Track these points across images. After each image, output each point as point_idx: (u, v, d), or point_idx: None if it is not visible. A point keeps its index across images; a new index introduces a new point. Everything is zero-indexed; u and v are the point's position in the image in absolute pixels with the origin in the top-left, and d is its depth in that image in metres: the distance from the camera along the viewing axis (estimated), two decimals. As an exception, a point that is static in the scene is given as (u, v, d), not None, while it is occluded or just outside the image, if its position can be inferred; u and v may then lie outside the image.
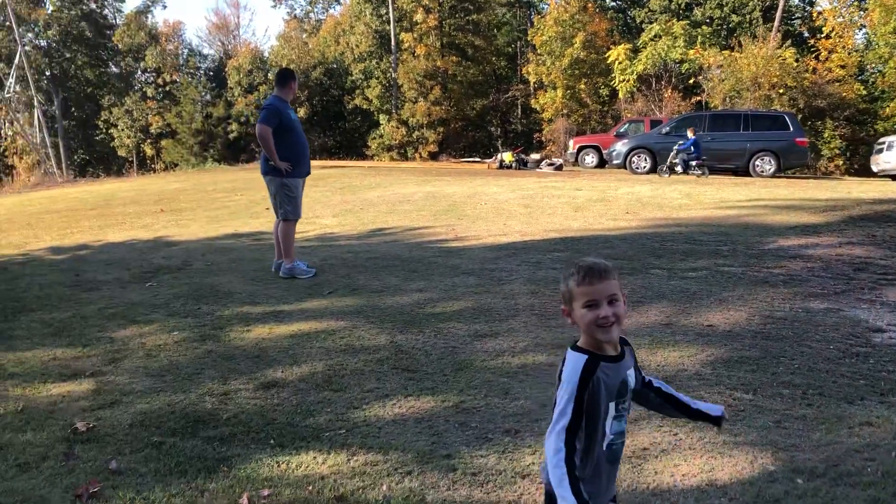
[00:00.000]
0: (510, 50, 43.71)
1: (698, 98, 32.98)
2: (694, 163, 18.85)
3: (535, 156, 28.34)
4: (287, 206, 7.33)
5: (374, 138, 38.53)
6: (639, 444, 3.74)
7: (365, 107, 38.88)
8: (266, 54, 39.31)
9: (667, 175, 18.56)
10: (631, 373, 2.16)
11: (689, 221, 9.82)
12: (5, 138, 41.00)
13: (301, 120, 32.10)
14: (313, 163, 22.36)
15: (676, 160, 19.02)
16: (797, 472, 3.38)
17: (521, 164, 25.44)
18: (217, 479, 3.54)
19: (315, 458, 3.72)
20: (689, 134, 19.21)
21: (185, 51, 41.04)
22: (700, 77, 32.30)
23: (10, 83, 35.16)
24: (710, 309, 5.88)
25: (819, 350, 4.93)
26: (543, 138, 36.63)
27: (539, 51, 36.12)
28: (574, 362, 2.08)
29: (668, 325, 5.55)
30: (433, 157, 36.71)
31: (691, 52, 32.65)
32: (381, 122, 38.74)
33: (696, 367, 4.73)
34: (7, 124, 40.35)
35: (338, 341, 5.42)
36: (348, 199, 13.30)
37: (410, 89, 37.18)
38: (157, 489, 3.45)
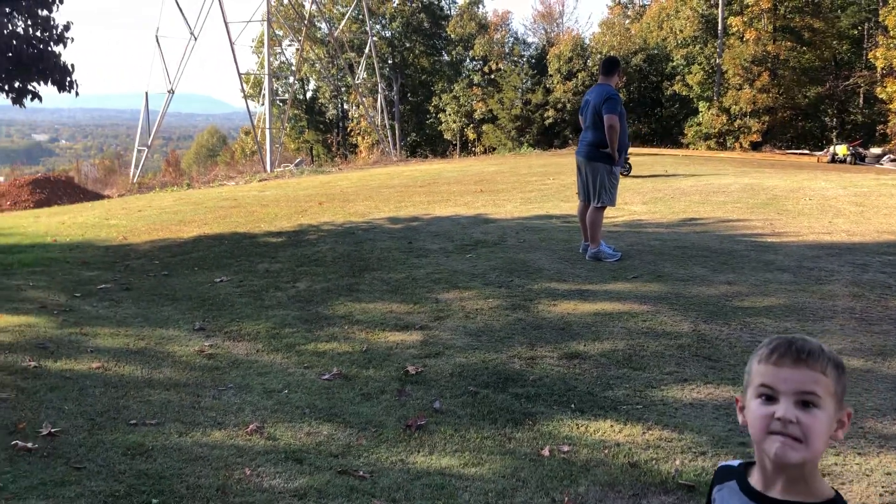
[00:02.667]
0: (855, 32, 39.45)
1: None
2: None
3: (875, 150, 25.50)
4: (609, 193, 7.58)
5: (692, 126, 37.27)
6: None
7: (684, 93, 37.75)
8: (587, 41, 39.82)
9: None
10: None
11: None
12: (352, 120, 46.37)
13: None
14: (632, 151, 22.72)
15: None
16: None
17: (858, 159, 23.09)
18: (522, 430, 3.96)
19: (612, 426, 3.98)
20: None
21: (511, 39, 42.99)
22: None
23: (360, 71, 39.68)
24: None
25: None
26: (889, 131, 32.65)
27: (891, 33, 32.15)
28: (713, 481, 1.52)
29: None
30: (755, 147, 34.59)
31: None
32: (700, 109, 37.36)
33: None
34: (354, 108, 45.59)
35: (639, 323, 5.59)
36: (660, 188, 13.21)
37: (735, 75, 35.32)
38: (472, 430, 3.95)
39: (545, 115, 37.68)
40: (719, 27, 37.22)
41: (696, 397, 4.33)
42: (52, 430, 3.85)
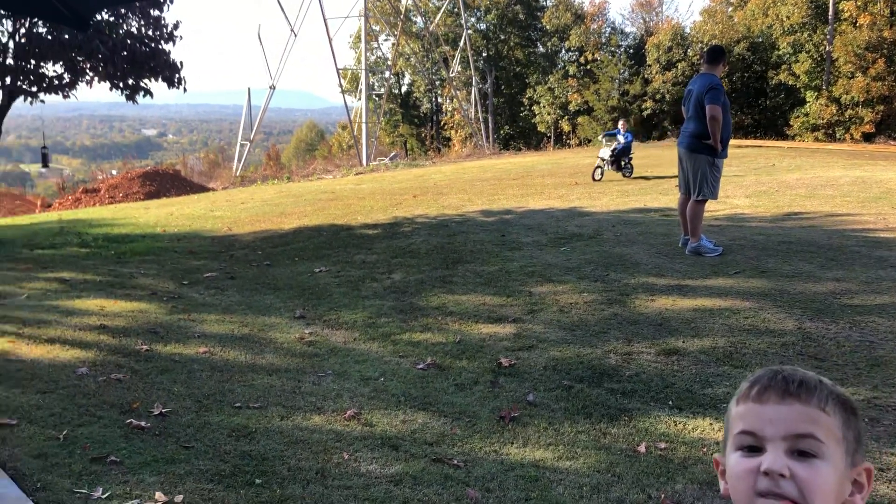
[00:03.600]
0: (982, 14, 36.80)
1: None
2: None
3: None
4: (710, 186, 7.37)
5: (798, 117, 35.68)
6: None
7: (790, 83, 36.16)
8: (687, 30, 38.69)
9: None
10: None
11: None
12: (445, 113, 46.62)
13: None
14: (735, 143, 21.63)
15: None
16: None
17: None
18: (618, 425, 3.90)
19: (711, 424, 3.87)
20: None
21: (608, 29, 42.19)
22: None
23: (455, 64, 39.84)
24: None
25: None
26: None
27: None
28: None
29: None
30: (867, 138, 32.81)
31: None
32: (807, 99, 35.72)
33: None
34: (448, 101, 45.82)
35: (741, 320, 5.41)
36: (763, 181, 12.73)
37: (847, 63, 33.55)
38: (567, 424, 3.92)
39: (643, 106, 36.86)
40: (830, 12, 35.43)
41: (801, 398, 4.16)
42: (163, 410, 4.05)
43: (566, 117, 40.70)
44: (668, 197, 10.88)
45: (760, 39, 38.12)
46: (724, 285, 6.31)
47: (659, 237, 8.18)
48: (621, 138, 14.58)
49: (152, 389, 4.41)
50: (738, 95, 37.24)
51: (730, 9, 41.95)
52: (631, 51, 41.20)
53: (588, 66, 40.24)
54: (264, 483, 3.28)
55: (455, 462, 3.49)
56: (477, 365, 4.86)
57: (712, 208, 9.50)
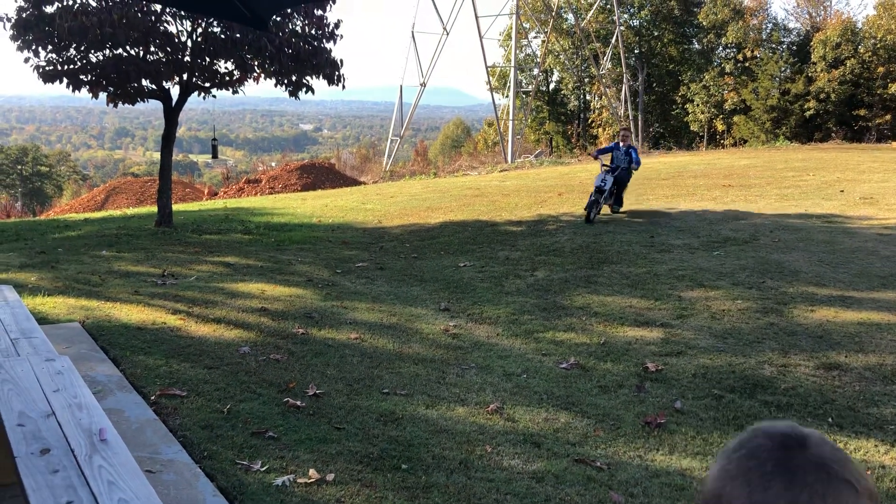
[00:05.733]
0: None
1: None
2: None
3: None
4: None
5: None
6: None
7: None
8: (859, 25, 36.07)
9: None
10: None
11: None
12: (593, 111, 45.89)
13: (893, 97, 28.37)
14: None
15: None
16: None
17: None
18: (771, 439, 3.72)
19: (876, 446, 3.63)
20: None
21: (769, 25, 40.05)
22: None
23: (605, 61, 39.14)
24: None
25: None
26: None
27: None
28: None
29: None
30: None
31: None
32: None
33: None
34: (596, 98, 45.08)
35: (914, 337, 5.03)
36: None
37: None
38: (716, 434, 3.80)
39: (805, 107, 34.71)
40: None
41: (982, 426, 3.82)
42: (317, 392, 4.27)
43: (721, 116, 39.02)
44: (830, 202, 10.23)
45: (944, 34, 34.95)
46: (895, 299, 5.88)
47: (821, 245, 7.71)
48: (621, 155, 10.38)
49: (307, 371, 4.65)
50: (914, 96, 34.38)
51: (910, 1, 38.77)
52: (794, 47, 38.93)
53: (746, 64, 38.41)
54: (410, 469, 3.38)
55: (598, 464, 3.46)
56: (622, 368, 4.79)
57: (885, 216, 8.89)
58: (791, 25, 41.57)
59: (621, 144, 10.51)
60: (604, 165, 10.31)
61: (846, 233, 8.27)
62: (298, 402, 4.09)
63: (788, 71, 37.13)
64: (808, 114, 34.98)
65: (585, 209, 9.83)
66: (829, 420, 3.92)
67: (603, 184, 9.86)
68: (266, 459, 3.43)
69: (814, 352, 4.87)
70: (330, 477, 3.27)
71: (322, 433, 3.74)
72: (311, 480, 3.23)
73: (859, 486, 0.75)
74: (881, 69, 32.62)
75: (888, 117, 31.82)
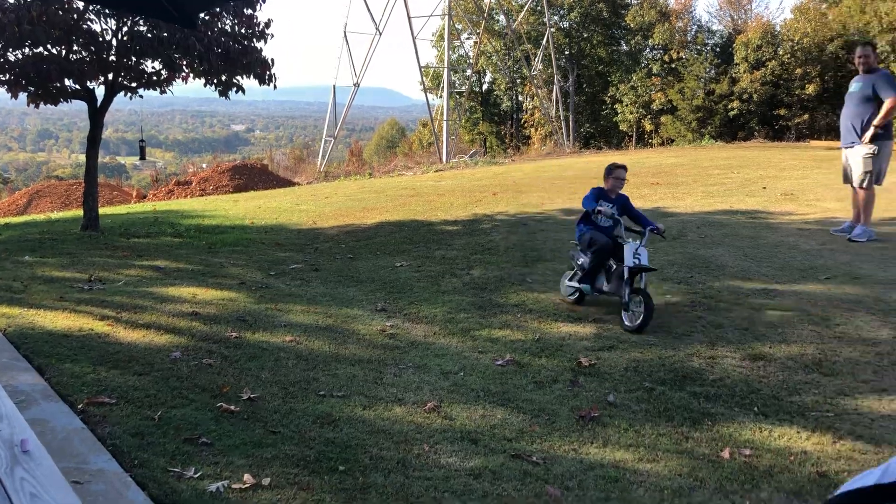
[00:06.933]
0: None
1: None
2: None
3: None
4: (881, 169, 7.71)
5: (896, 118, 34.07)
6: None
7: (889, 82, 34.54)
8: (778, 28, 37.40)
9: None
10: None
11: None
12: (526, 111, 46.38)
13: (810, 97, 29.40)
14: (819, 144, 20.51)
15: None
16: None
17: None
18: (701, 430, 3.84)
19: (798, 432, 3.78)
20: None
21: (694, 27, 41.17)
22: None
23: (536, 62, 39.62)
24: None
25: None
26: None
27: None
28: None
29: None
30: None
31: None
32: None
33: None
34: (528, 99, 45.59)
35: (832, 327, 5.24)
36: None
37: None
38: (648, 426, 3.89)
39: (729, 106, 35.82)
40: (934, 8, 33.65)
41: (893, 408, 4.01)
42: (252, 396, 4.20)
43: (649, 116, 39.93)
44: (754, 199, 10.58)
45: (856, 38, 36.53)
46: (815, 290, 6.12)
47: (746, 240, 7.97)
48: (610, 212, 6.05)
49: (241, 375, 4.58)
50: (829, 97, 35.83)
51: (824, 5, 40.37)
52: (718, 49, 40.12)
53: (672, 65, 39.38)
54: (347, 470, 3.37)
55: (534, 459, 3.51)
56: (556, 363, 4.86)
57: (801, 211, 9.23)
58: (715, 27, 42.78)
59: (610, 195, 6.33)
60: (605, 217, 6.09)
61: (769, 228, 8.57)
62: (232, 407, 4.02)
63: (713, 72, 38.23)
64: (731, 113, 36.10)
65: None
66: (755, 409, 4.06)
67: (637, 259, 5.64)
68: (199, 466, 3.36)
69: (740, 343, 5.03)
70: (266, 481, 3.23)
71: (257, 437, 3.69)
72: (247, 485, 3.19)
73: None
74: (799, 70, 33.86)
75: (806, 117, 33.05)
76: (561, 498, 3.15)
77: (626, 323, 5.51)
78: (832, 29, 36.32)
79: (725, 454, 3.54)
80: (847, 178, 8.11)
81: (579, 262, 6.15)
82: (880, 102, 7.57)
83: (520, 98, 48.63)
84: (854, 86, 7.88)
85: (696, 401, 4.18)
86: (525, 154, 33.10)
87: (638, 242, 5.80)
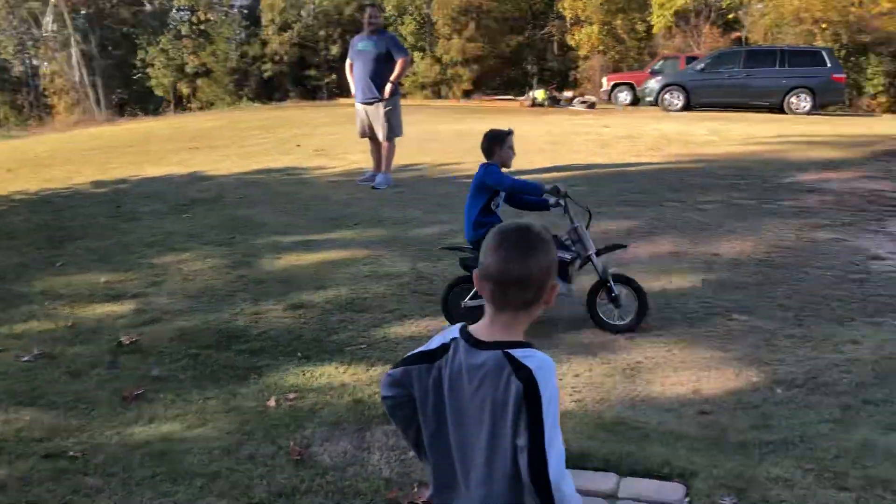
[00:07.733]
0: (546, -16, 42.79)
1: (738, 34, 32.18)
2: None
3: (567, 93, 28.02)
4: (399, 122, 8.59)
5: (408, 76, 38.34)
6: (633, 358, 4.03)
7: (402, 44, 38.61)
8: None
9: None
10: None
11: (712, 157, 9.90)
12: (44, 77, 41.58)
13: (335, 58, 31.46)
14: (345, 101, 22.07)
15: None
16: (778, 382, 3.65)
17: (554, 102, 25.23)
18: (248, 385, 3.92)
19: (337, 368, 4.08)
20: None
21: (219, -11, 40.90)
22: (740, 12, 31.47)
23: (48, 21, 35.59)
24: (719, 239, 6.09)
25: (818, 276, 5.14)
26: (579, 76, 36.12)
27: (574, -15, 35.39)
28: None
29: (675, 253, 5.78)
30: (467, 95, 36.51)
31: (733, -15, 31.78)
32: (414, 59, 38.51)
33: (698, 291, 4.98)
34: (45, 63, 40.90)
35: (362, 268, 5.74)
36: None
37: (445, 25, 36.79)
38: (195, 392, 3.84)
39: (263, 68, 36.63)
40: (426, -22, 38.40)
41: (414, 330, 4.57)
42: None
43: (185, 80, 38.85)
44: (289, 157, 11.04)
45: (368, 1, 39.98)
46: (346, 237, 6.63)
47: (283, 196, 8.28)
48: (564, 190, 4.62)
49: None
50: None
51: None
52: (246, 11, 40.55)
53: (202, 27, 38.75)
54: None
55: (71, 453, 3.21)
56: (94, 348, 4.50)
57: (331, 164, 9.88)
58: (240, -10, 42.99)
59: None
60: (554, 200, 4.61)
61: (303, 183, 9.02)
62: None
63: (244, 34, 38.56)
64: (266, 75, 36.97)
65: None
66: (298, 355, 4.27)
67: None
68: None
69: (281, 296, 5.22)
70: None
71: None
72: None
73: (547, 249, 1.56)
74: (323, 32, 35.88)
75: (334, 77, 35.24)
76: (103, 487, 2.95)
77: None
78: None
79: (271, 403, 3.67)
80: (364, 133, 8.83)
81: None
82: (394, 62, 8.35)
83: (34, 62, 43.40)
84: (363, 44, 8.52)
85: (242, 357, 4.25)
86: (49, 125, 29.86)
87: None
